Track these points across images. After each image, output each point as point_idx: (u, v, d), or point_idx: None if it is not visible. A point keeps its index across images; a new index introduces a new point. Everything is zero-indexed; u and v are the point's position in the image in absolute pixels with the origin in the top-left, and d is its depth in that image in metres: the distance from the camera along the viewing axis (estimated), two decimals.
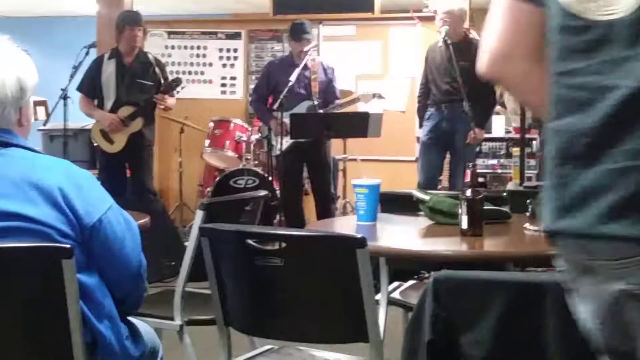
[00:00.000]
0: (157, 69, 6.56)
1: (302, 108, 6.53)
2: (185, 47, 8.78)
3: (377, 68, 8.17)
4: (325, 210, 6.52)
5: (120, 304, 2.17)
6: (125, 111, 6.38)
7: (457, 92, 6.20)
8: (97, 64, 6.53)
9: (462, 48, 6.29)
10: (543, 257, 2.80)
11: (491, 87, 6.69)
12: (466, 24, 6.75)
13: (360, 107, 6.82)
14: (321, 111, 6.51)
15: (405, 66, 8.01)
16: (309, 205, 6.87)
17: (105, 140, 6.46)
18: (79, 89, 6.56)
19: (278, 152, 6.55)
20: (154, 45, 8.40)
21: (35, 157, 2.06)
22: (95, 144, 6.64)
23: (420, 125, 6.67)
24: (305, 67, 6.56)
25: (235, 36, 8.72)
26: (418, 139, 6.73)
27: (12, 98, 2.05)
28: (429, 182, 6.38)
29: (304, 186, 6.99)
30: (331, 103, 6.61)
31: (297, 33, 6.54)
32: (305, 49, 6.49)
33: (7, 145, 2.05)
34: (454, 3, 6.54)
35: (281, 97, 6.26)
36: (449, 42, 6.22)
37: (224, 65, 8.74)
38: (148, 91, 6.44)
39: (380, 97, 6.68)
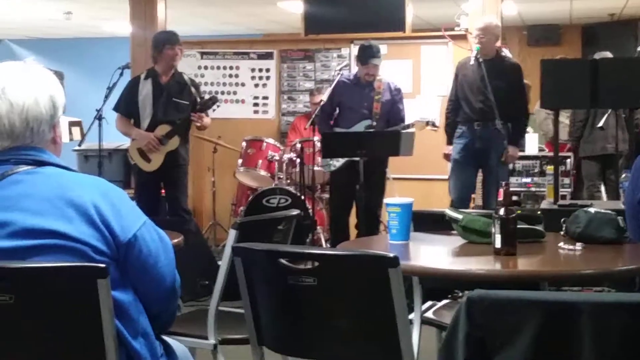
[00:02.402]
0: (192, 89, 6.63)
1: (360, 127, 6.52)
2: (218, 68, 8.85)
3: (409, 87, 8.16)
4: (370, 233, 6.13)
5: (154, 320, 2.17)
6: (162, 130, 6.44)
7: (490, 110, 6.17)
8: (134, 84, 6.60)
9: (495, 66, 6.27)
10: (578, 277, 2.78)
11: (524, 105, 6.67)
12: (498, 42, 6.74)
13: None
14: (372, 130, 6.45)
15: (436, 84, 8.01)
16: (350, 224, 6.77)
17: (142, 158, 6.52)
18: (116, 108, 6.62)
19: (333, 169, 6.57)
20: (187, 65, 8.47)
21: (69, 175, 2.08)
22: (132, 163, 6.70)
23: (449, 142, 6.63)
24: (371, 86, 6.57)
25: (267, 56, 8.77)
26: (445, 155, 6.67)
27: (47, 115, 2.08)
28: (462, 201, 6.34)
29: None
30: (395, 124, 6.52)
31: (365, 57, 6.49)
32: (372, 72, 6.48)
33: (41, 163, 2.07)
34: (487, 19, 6.53)
35: (312, 117, 6.28)
36: (481, 60, 6.20)
37: (256, 85, 8.80)
38: (184, 110, 6.50)
39: (434, 125, 6.54)
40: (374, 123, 6.52)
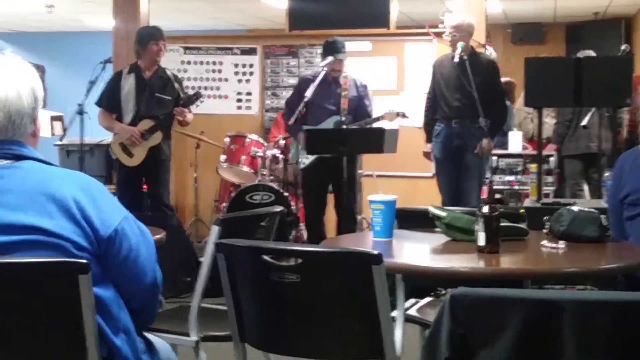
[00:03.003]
0: (176, 85, 6.61)
1: (329, 123, 6.52)
2: (201, 63, 8.81)
3: (393, 84, 8.16)
4: (348, 229, 6.21)
5: (135, 315, 2.16)
6: (144, 124, 6.42)
7: (468, 107, 6.18)
8: (116, 79, 6.58)
9: (472, 63, 6.28)
10: (561, 275, 2.79)
11: (500, 100, 6.68)
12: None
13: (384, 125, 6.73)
14: (344, 127, 6.46)
15: (420, 82, 8.00)
16: (330, 221, 6.79)
17: (124, 153, 6.49)
18: (98, 103, 6.60)
19: (303, 166, 6.56)
20: (170, 60, 8.43)
21: (49, 169, 2.06)
22: (114, 157, 6.66)
23: (428, 140, 6.63)
24: (337, 83, 6.55)
25: (251, 52, 8.74)
26: (425, 153, 6.68)
27: (29, 108, 2.06)
28: (453, 200, 6.27)
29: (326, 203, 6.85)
30: (362, 119, 6.53)
31: (328, 52, 6.51)
32: (337, 67, 6.47)
33: (21, 158, 2.05)
34: (461, 17, 6.54)
35: (296, 112, 6.28)
36: (465, 58, 6.21)
37: (240, 81, 8.77)
38: (167, 106, 6.49)
39: (404, 116, 6.57)
40: (343, 119, 6.52)
